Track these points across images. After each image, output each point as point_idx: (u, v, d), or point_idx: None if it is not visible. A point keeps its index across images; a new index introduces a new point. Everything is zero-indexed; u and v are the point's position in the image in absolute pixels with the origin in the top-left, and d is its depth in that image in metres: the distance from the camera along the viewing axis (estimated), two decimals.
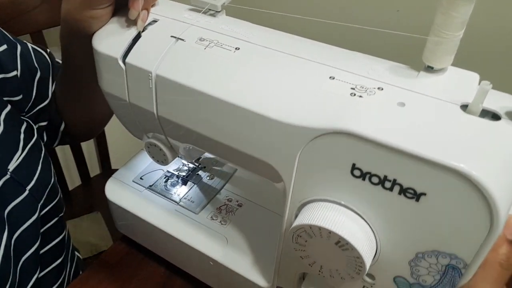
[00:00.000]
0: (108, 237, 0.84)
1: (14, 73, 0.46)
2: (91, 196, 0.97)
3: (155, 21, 0.39)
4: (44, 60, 0.53)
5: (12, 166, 0.43)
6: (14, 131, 0.46)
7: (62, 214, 0.56)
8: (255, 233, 0.47)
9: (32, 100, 0.50)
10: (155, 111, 0.38)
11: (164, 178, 0.53)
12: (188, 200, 0.50)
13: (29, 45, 0.51)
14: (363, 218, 0.31)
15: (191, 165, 0.54)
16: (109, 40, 0.38)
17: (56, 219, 0.54)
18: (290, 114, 0.31)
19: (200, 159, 0.55)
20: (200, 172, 0.54)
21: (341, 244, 0.30)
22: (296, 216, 0.34)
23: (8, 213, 0.42)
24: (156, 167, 0.54)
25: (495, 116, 0.28)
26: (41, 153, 0.50)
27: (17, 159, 0.44)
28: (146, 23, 0.39)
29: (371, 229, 0.31)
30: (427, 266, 0.30)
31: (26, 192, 0.45)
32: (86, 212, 0.88)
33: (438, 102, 0.29)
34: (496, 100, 0.29)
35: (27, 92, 0.49)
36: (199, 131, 0.36)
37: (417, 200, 0.28)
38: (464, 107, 0.29)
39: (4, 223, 0.41)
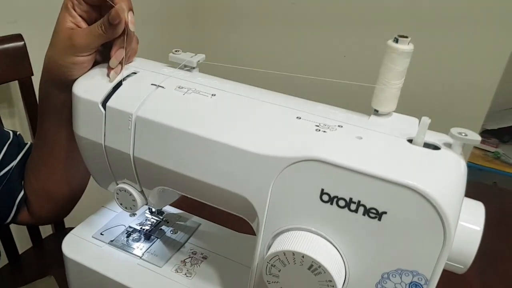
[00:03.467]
0: None
1: None
2: (43, 259, 0.88)
3: (135, 72, 0.42)
4: (4, 134, 0.53)
5: None
6: None
7: None
8: (221, 284, 0.46)
9: None
10: (131, 153, 0.40)
11: (126, 233, 0.52)
12: (151, 254, 0.49)
13: None
14: (332, 244, 0.34)
15: (154, 220, 0.54)
16: (90, 86, 0.41)
17: None
18: (263, 146, 0.34)
19: (164, 214, 0.55)
20: (163, 227, 0.53)
21: (314, 268, 0.32)
22: (269, 248, 0.35)
23: None
24: (117, 222, 0.53)
25: (436, 148, 0.34)
26: None
27: None
28: (126, 74, 0.42)
29: (340, 254, 0.34)
30: (392, 286, 0.33)
31: None
32: (39, 277, 0.80)
33: (388, 137, 0.34)
34: (434, 137, 0.35)
35: None
36: (175, 170, 0.38)
37: (379, 219, 0.31)
38: (410, 141, 0.34)
39: None
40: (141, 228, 0.53)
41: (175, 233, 0.53)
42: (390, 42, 0.35)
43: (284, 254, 0.33)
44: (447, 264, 0.33)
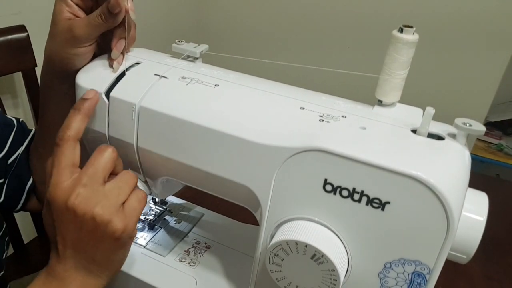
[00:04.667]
0: None
1: None
2: (48, 249, 0.89)
3: (138, 63, 0.42)
4: (9, 122, 0.54)
5: None
6: None
7: None
8: (224, 274, 0.47)
9: None
10: (135, 143, 0.40)
11: None
12: (155, 243, 0.50)
13: None
14: (335, 234, 0.34)
15: (157, 210, 0.54)
16: (93, 77, 0.41)
17: None
18: (267, 137, 0.34)
19: (167, 204, 0.55)
20: (167, 217, 0.54)
21: (317, 257, 0.32)
22: (272, 237, 0.36)
23: None
24: None
25: (440, 138, 0.34)
26: None
27: None
28: (129, 65, 0.42)
29: (343, 244, 0.34)
30: (395, 276, 0.33)
31: None
32: (44, 266, 0.81)
33: (392, 127, 0.34)
34: (438, 127, 0.35)
35: None
36: (178, 160, 0.38)
37: (383, 209, 0.31)
38: (414, 131, 0.34)
39: None
40: (145, 218, 0.53)
41: (179, 223, 0.53)
42: (395, 32, 0.34)
43: (287, 244, 0.33)
44: (450, 254, 0.33)
